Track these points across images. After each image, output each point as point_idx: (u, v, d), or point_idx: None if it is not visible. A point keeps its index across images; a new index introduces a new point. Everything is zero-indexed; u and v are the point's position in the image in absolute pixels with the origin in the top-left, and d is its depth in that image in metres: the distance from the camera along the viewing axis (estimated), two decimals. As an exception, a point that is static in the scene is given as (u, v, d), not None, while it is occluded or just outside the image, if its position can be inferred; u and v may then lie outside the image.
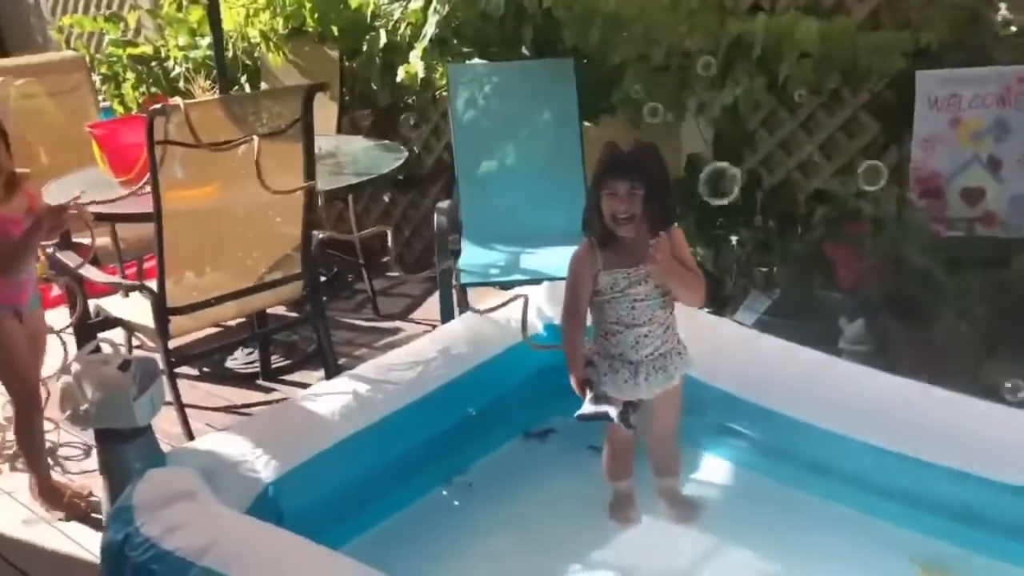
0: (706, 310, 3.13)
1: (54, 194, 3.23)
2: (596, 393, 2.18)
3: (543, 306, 2.73)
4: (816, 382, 2.40)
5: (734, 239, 3.27)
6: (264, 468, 2.13)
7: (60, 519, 2.77)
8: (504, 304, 2.63)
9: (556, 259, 2.78)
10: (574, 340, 2.25)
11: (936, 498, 2.13)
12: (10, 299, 2.71)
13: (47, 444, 2.98)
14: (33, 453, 2.85)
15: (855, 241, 2.92)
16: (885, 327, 2.87)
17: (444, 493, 2.51)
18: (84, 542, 2.64)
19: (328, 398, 2.39)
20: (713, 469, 2.53)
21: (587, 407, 2.17)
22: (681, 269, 2.19)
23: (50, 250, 3.06)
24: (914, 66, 2.90)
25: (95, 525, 2.67)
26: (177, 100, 2.74)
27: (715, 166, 2.56)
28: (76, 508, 2.79)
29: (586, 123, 3.67)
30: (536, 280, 2.94)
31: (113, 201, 2.96)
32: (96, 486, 2.66)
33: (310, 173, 3.04)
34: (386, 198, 4.88)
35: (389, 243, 2.90)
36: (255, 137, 2.79)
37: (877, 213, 2.87)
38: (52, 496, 2.82)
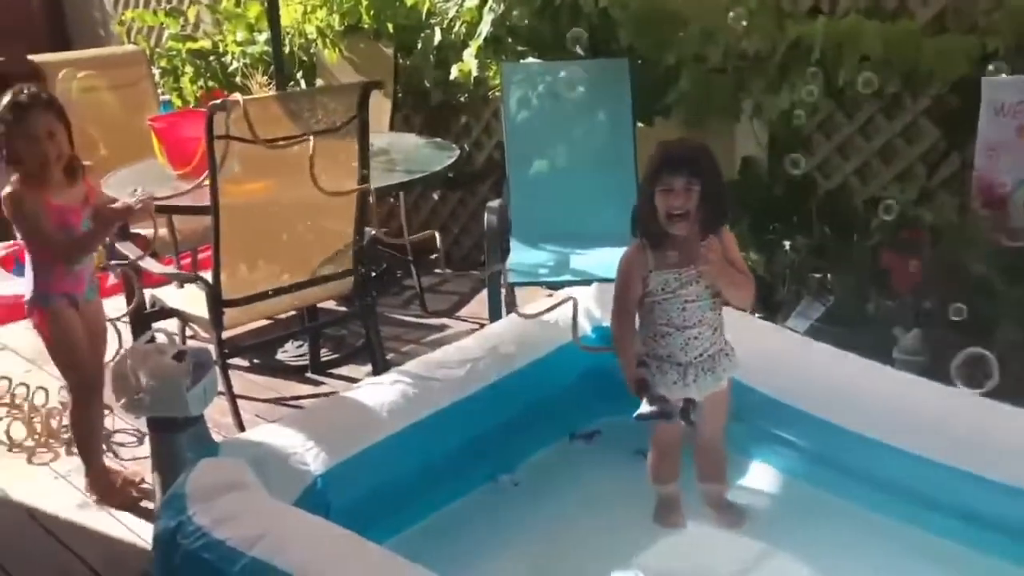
0: (758, 315, 3.11)
1: (114, 186, 3.31)
2: (652, 393, 2.18)
3: (592, 307, 2.72)
4: (866, 390, 2.36)
5: (787, 244, 3.23)
6: (313, 461, 2.16)
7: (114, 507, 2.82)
8: (550, 309, 2.63)
9: (606, 260, 2.77)
10: (625, 341, 2.25)
11: (990, 513, 2.09)
12: (67, 287, 2.76)
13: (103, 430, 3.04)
14: (87, 444, 2.88)
15: (912, 249, 2.86)
16: (941, 337, 2.81)
17: (490, 491, 2.52)
18: (135, 527, 2.69)
19: (378, 394, 2.40)
20: (761, 477, 2.51)
21: (645, 407, 2.17)
22: (732, 270, 2.18)
23: (108, 240, 3.12)
24: (979, 72, 2.84)
25: (146, 511, 2.72)
26: (236, 96, 2.78)
27: (971, 352, 2.39)
28: (128, 496, 2.84)
29: (640, 124, 3.65)
30: (585, 281, 2.93)
31: (179, 195, 2.99)
32: (148, 473, 2.71)
33: (364, 171, 3.06)
34: (436, 195, 4.90)
35: (438, 244, 2.91)
36: (311, 137, 2.81)
37: (936, 221, 2.81)
38: (104, 489, 2.85)
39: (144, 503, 2.78)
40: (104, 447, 3.04)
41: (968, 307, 2.70)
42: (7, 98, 2.65)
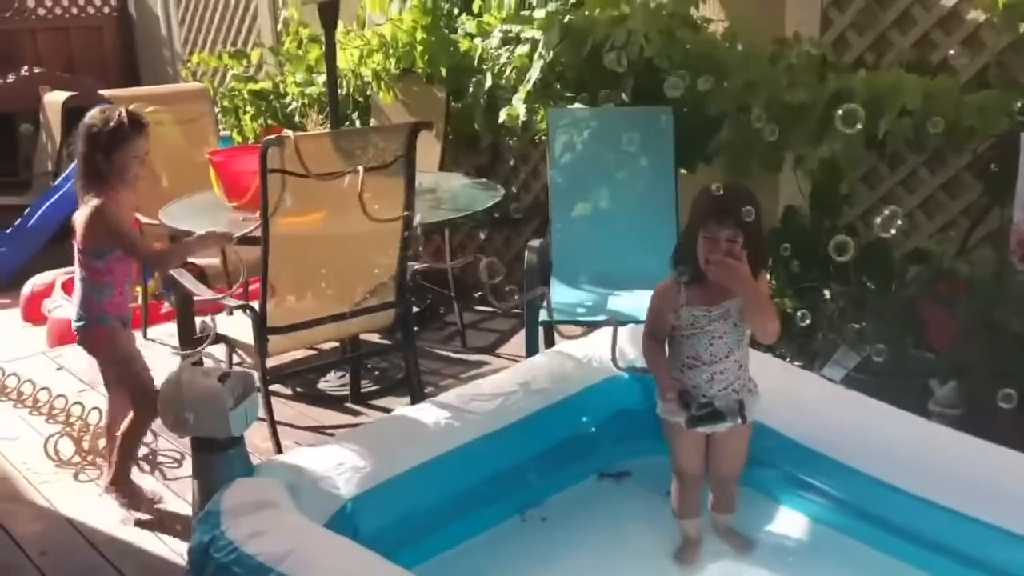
0: (796, 364, 3.11)
1: (175, 214, 3.46)
2: (698, 401, 2.24)
3: (625, 348, 2.76)
4: (897, 442, 2.36)
5: (827, 293, 3.24)
6: (345, 485, 2.22)
7: (137, 517, 2.91)
8: (592, 330, 2.69)
9: (642, 303, 2.79)
10: (657, 358, 2.33)
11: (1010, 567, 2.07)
12: (120, 309, 2.89)
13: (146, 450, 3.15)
14: (130, 451, 2.97)
15: (949, 302, 2.86)
16: (978, 391, 2.79)
17: (517, 524, 2.55)
18: (172, 544, 2.78)
19: (411, 423, 2.47)
20: (788, 521, 2.51)
21: (697, 410, 2.23)
22: (760, 293, 2.25)
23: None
24: (1020, 127, 2.85)
25: (183, 531, 2.80)
26: (288, 132, 2.90)
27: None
28: (147, 507, 2.92)
29: (682, 171, 3.70)
30: (620, 323, 2.97)
31: (252, 231, 3.02)
32: (187, 492, 2.79)
33: (409, 206, 3.16)
34: (482, 235, 5.00)
35: (481, 268, 2.97)
36: (360, 169, 2.92)
37: (973, 274, 2.81)
38: (125, 489, 2.94)
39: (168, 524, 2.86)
40: (149, 467, 3.13)
41: (1005, 360, 2.69)
42: (120, 115, 2.73)
